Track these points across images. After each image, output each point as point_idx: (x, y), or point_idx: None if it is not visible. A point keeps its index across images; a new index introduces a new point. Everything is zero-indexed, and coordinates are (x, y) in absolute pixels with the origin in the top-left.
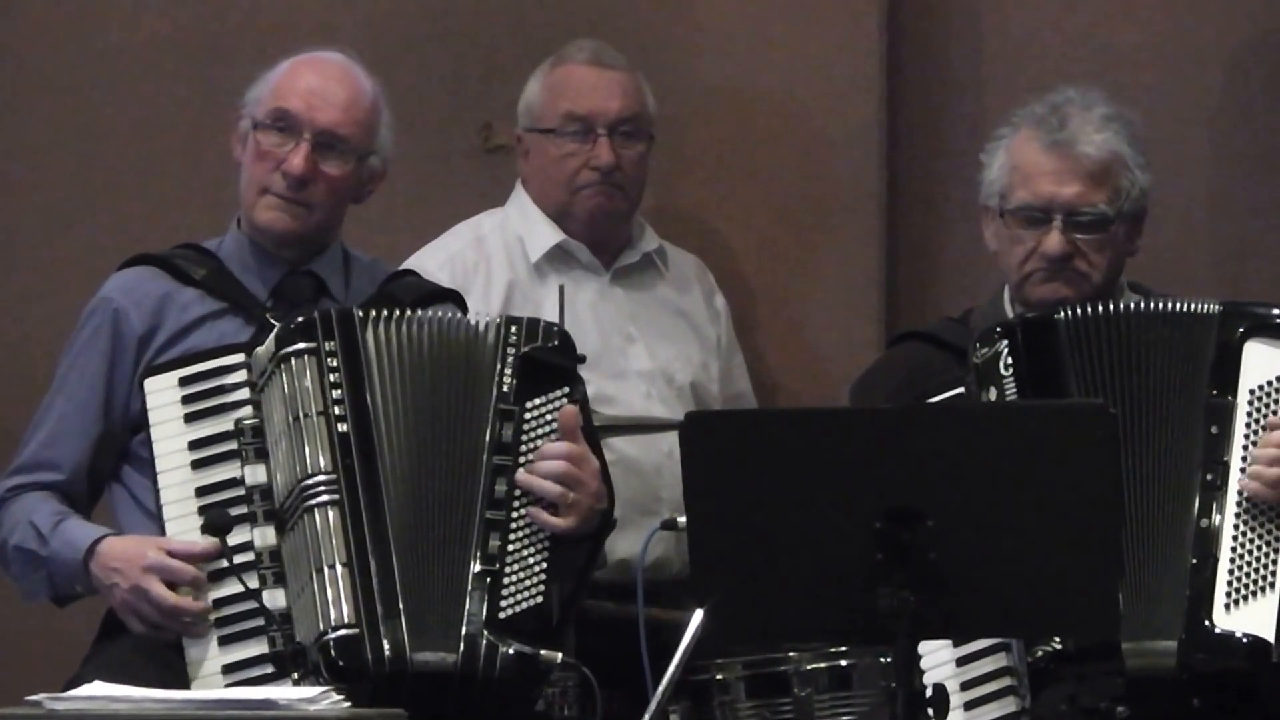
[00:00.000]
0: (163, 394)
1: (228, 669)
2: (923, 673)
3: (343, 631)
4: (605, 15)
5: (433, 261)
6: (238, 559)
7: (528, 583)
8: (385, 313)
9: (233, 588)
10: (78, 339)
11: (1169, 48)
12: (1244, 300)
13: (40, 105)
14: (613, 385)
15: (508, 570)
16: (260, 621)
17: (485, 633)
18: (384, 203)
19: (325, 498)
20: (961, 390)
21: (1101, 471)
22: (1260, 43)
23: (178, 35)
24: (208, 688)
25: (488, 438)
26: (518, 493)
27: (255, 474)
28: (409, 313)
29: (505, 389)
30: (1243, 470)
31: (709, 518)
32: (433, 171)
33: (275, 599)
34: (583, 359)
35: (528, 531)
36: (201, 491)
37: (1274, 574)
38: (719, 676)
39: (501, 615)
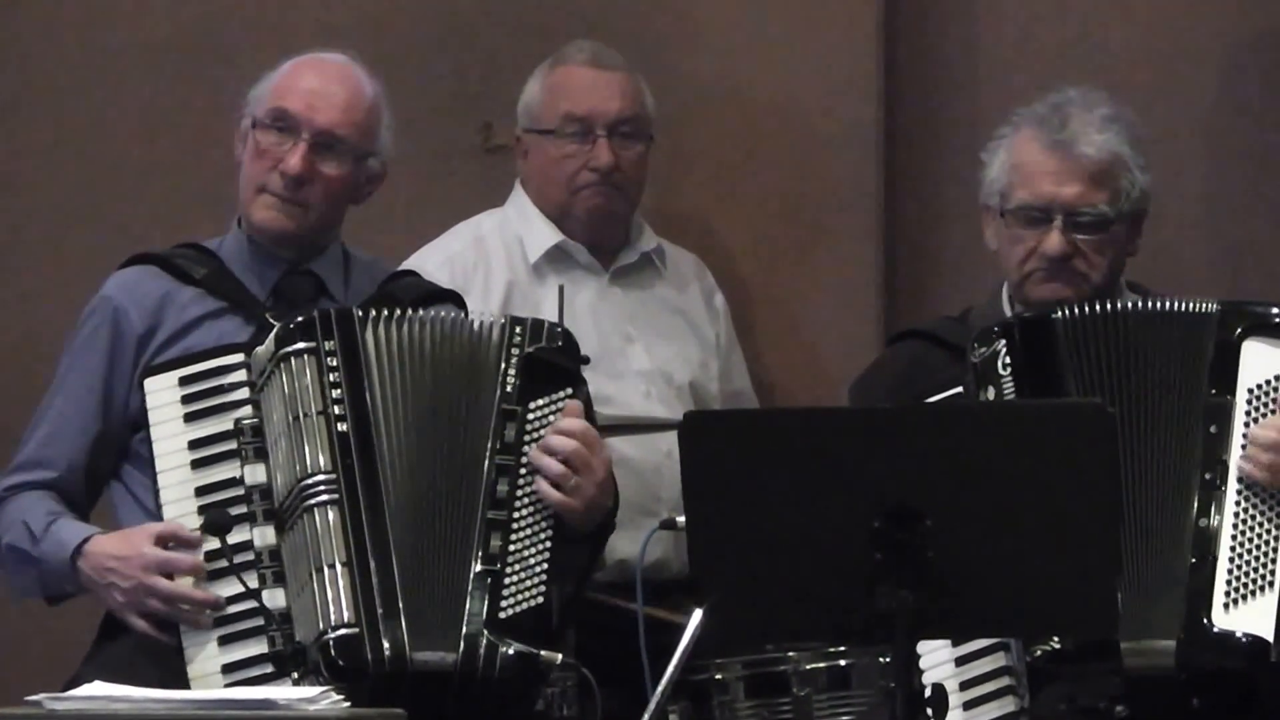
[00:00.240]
0: (162, 393)
1: (227, 669)
2: (921, 672)
3: (342, 631)
4: (605, 16)
5: (432, 261)
6: (237, 558)
7: (528, 583)
8: (385, 312)
9: (232, 587)
10: (78, 338)
11: (1164, 47)
12: (1242, 299)
13: (43, 106)
14: (612, 385)
15: (509, 570)
16: (260, 621)
17: (485, 632)
18: (384, 202)
19: (325, 497)
20: (960, 389)
21: (1100, 471)
22: (1256, 42)
23: (181, 36)
24: (207, 688)
25: (490, 437)
26: (520, 493)
27: (255, 473)
28: (409, 312)
29: (509, 389)
30: (1239, 473)
31: (708, 517)
32: (433, 171)
33: (275, 599)
34: (586, 360)
35: (529, 532)
36: (201, 491)
37: (1273, 573)
38: (718, 676)
39: (502, 615)
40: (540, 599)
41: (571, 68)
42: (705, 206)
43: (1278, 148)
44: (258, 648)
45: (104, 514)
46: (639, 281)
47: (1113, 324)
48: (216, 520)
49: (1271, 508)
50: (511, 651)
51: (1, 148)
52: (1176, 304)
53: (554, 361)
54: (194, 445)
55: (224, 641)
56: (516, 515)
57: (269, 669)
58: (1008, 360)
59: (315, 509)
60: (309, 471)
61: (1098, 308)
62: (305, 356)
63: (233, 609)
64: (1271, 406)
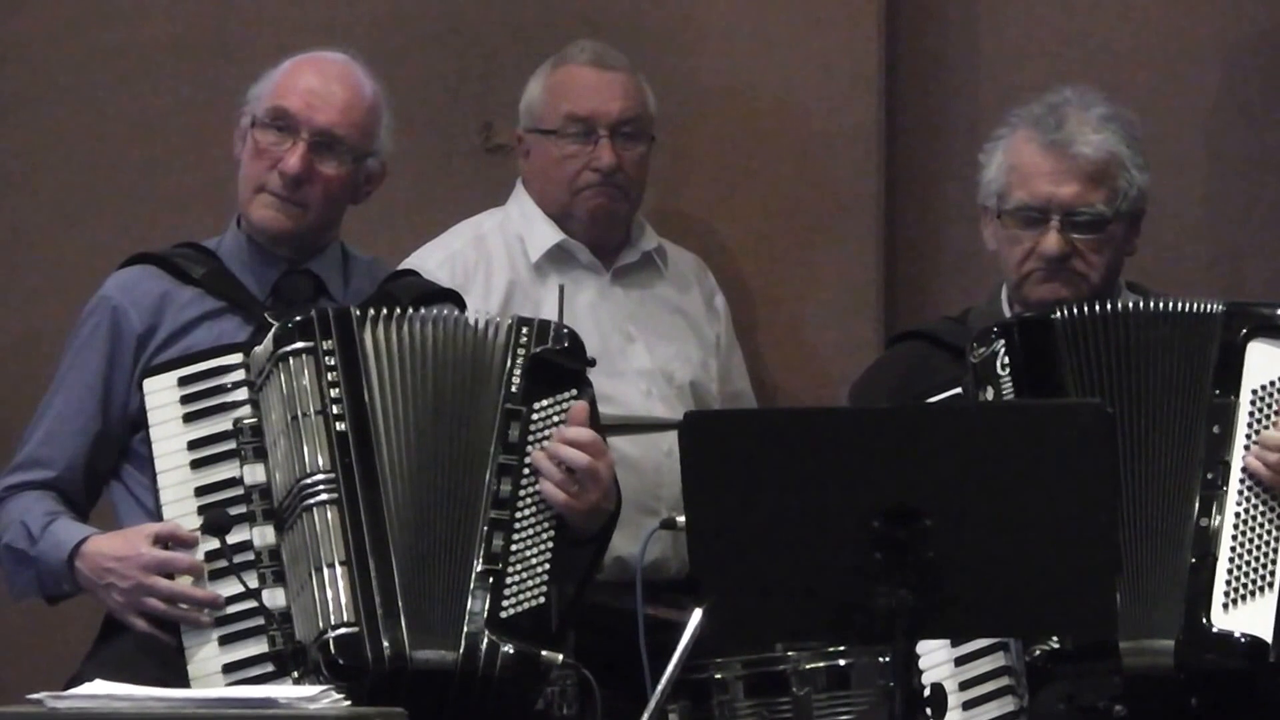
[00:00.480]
0: (162, 394)
1: (228, 668)
2: (921, 672)
3: (342, 630)
4: (606, 16)
5: (433, 260)
6: (237, 558)
7: (530, 583)
8: (384, 312)
9: (232, 587)
10: (77, 337)
11: (1165, 48)
12: (1247, 300)
13: (45, 105)
14: (612, 384)
15: (510, 570)
16: (260, 621)
17: (486, 632)
18: (385, 202)
19: (324, 497)
20: (959, 390)
21: (1099, 471)
22: (1257, 42)
23: (182, 35)
24: (208, 687)
25: (494, 437)
26: (523, 493)
27: (254, 473)
28: (409, 312)
29: (514, 389)
30: (1244, 469)
31: (708, 517)
32: (433, 171)
33: (275, 598)
34: (592, 362)
35: (531, 532)
36: (200, 491)
37: (1273, 574)
38: (718, 675)
39: (503, 615)
40: (541, 599)
41: (574, 68)
42: (706, 207)
43: (1278, 149)
44: (258, 647)
45: (104, 514)
46: (640, 281)
47: (1113, 324)
48: (216, 520)
49: (1273, 509)
50: (512, 651)
51: (2, 147)
52: (1181, 304)
53: (560, 363)
54: (193, 445)
55: (224, 641)
56: (519, 515)
57: (269, 668)
58: (1006, 360)
59: (314, 508)
60: (308, 471)
61: (1097, 308)
62: (303, 356)
63: (233, 609)
64: (1276, 408)
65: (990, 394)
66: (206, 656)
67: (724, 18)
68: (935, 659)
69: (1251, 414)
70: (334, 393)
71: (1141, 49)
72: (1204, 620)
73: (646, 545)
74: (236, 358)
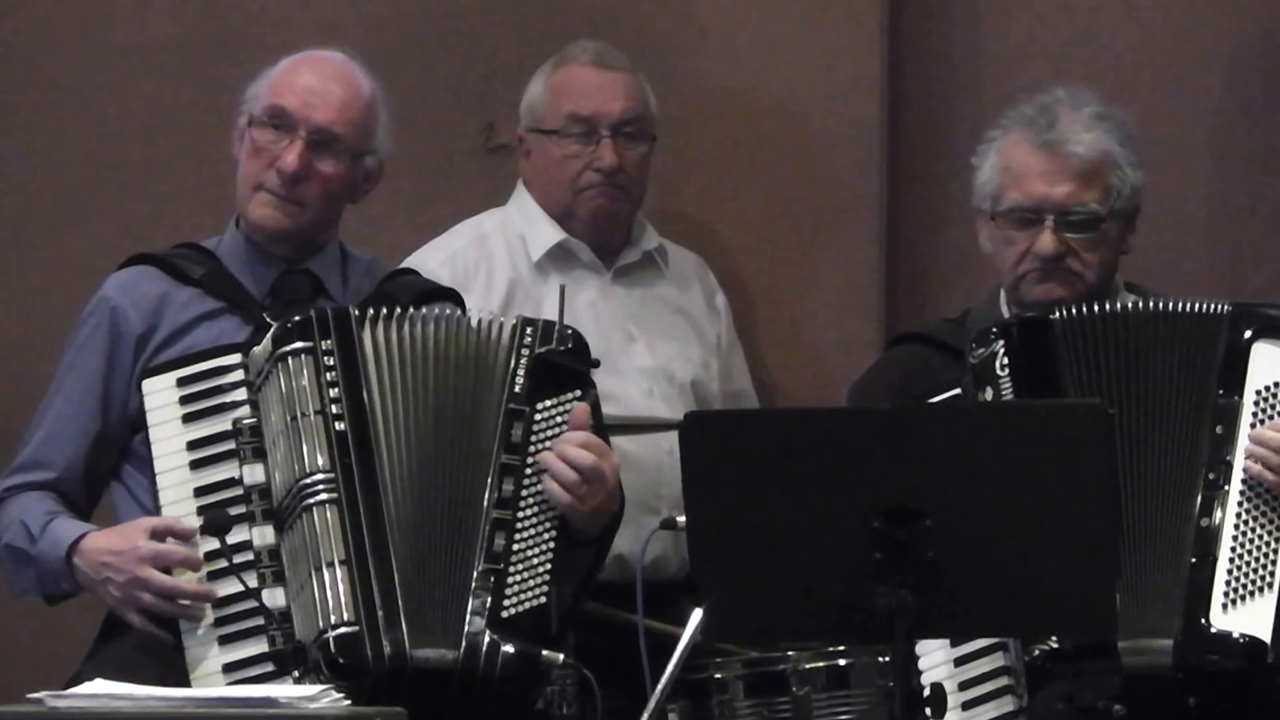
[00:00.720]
0: (161, 394)
1: (228, 668)
2: (920, 674)
3: (342, 629)
4: (607, 16)
5: (434, 259)
6: (237, 558)
7: (531, 583)
8: (383, 311)
9: (232, 587)
10: (76, 338)
11: (1168, 48)
12: (1252, 301)
13: (46, 104)
14: (613, 383)
15: (512, 570)
16: (260, 620)
17: (487, 631)
18: (386, 202)
19: (323, 496)
20: (958, 391)
21: (1099, 471)
22: (1259, 43)
23: (183, 35)
24: (208, 687)
25: (497, 437)
26: (525, 493)
27: (253, 473)
28: (409, 311)
29: (517, 389)
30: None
31: (708, 517)
32: (435, 171)
33: (275, 598)
34: (596, 363)
35: (533, 532)
36: (200, 491)
37: (1273, 574)
38: (717, 675)
39: (504, 615)
40: (543, 599)
41: (575, 68)
42: (707, 207)
43: None
44: (258, 647)
45: (105, 515)
46: (641, 280)
47: (1111, 324)
48: (216, 520)
49: (1274, 509)
50: (513, 651)
51: (3, 146)
52: (1185, 305)
53: (564, 363)
54: (193, 446)
55: (224, 641)
56: (521, 515)
57: (269, 668)
58: (1005, 361)
59: (314, 508)
60: (307, 471)
61: (1097, 308)
62: (302, 356)
63: (233, 609)
64: (1279, 408)
65: (989, 395)
66: (206, 656)
67: (726, 17)
68: (934, 660)
69: (1255, 414)
70: (333, 392)
71: (1144, 49)
72: (1203, 620)
73: (647, 545)
74: (235, 358)
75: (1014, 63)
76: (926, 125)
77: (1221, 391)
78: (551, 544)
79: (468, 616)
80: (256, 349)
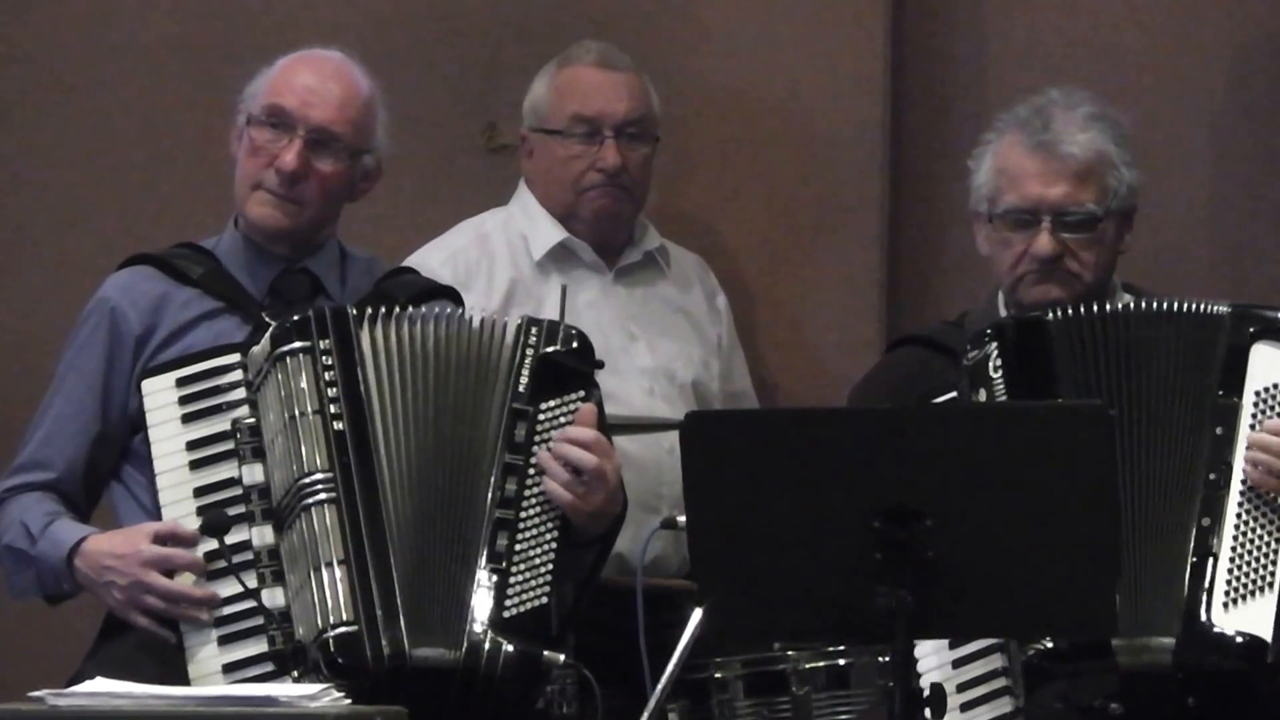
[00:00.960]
0: (160, 395)
1: (228, 668)
2: (919, 675)
3: (342, 629)
4: (610, 16)
5: (435, 258)
6: (236, 558)
7: (533, 583)
8: (381, 310)
9: (232, 587)
10: (76, 339)
11: (1171, 50)
12: (1252, 303)
13: (48, 104)
14: (614, 383)
15: (513, 570)
16: (260, 620)
17: (489, 631)
18: (388, 201)
19: (322, 496)
20: (955, 394)
21: (1099, 472)
22: (1262, 45)
23: (185, 35)
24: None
25: (500, 437)
26: (527, 493)
27: (253, 473)
28: (408, 310)
29: (520, 389)
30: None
31: (709, 517)
32: (436, 170)
33: (274, 598)
34: (601, 364)
35: (535, 532)
36: (199, 492)
37: (1273, 574)
38: (717, 675)
39: (505, 614)
40: (544, 600)
41: (579, 68)
42: (709, 207)
43: None
44: (258, 647)
45: (105, 515)
46: (642, 280)
47: (1107, 325)
48: (215, 520)
49: (1274, 509)
50: (513, 651)
51: (4, 147)
52: (1185, 305)
53: (568, 364)
54: (192, 446)
55: (224, 641)
56: (523, 515)
57: (269, 668)
58: (999, 363)
59: (313, 508)
60: (306, 471)
61: (1094, 308)
62: (300, 356)
63: (232, 609)
64: (1278, 410)
65: (983, 396)
66: (207, 656)
67: (728, 18)
68: (931, 662)
69: (1254, 415)
70: (331, 392)
71: (1147, 50)
72: (1203, 619)
73: (647, 544)
74: (234, 358)
75: (1017, 63)
76: (929, 126)
77: (1221, 392)
78: (554, 544)
79: (469, 616)
80: (255, 349)
